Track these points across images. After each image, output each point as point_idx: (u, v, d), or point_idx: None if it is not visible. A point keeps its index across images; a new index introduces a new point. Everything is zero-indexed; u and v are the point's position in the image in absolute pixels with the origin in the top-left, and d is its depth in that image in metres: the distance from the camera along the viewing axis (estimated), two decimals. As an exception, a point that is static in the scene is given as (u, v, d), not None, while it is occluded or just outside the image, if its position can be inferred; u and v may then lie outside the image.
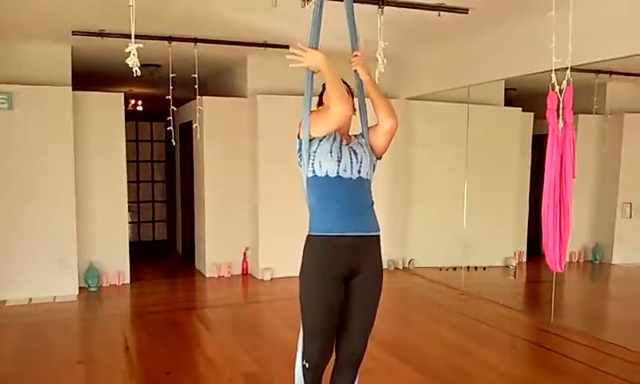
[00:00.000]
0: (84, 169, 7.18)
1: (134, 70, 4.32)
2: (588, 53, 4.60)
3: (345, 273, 2.78)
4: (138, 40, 4.34)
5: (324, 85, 2.88)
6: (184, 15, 5.59)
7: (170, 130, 6.42)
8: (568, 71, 4.06)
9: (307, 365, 2.85)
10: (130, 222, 7.73)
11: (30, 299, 6.70)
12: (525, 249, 8.76)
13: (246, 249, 8.17)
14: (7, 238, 6.68)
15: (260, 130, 7.65)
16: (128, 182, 7.71)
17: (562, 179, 4.12)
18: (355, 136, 2.96)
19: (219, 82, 8.93)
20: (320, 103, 2.95)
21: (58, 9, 5.37)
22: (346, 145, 2.84)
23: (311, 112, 2.84)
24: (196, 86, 6.84)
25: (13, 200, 6.67)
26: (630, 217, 8.13)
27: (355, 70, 2.98)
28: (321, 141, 2.80)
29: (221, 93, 8.45)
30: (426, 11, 5.16)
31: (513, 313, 6.44)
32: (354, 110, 2.88)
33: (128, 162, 7.69)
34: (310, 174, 2.82)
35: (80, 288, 7.10)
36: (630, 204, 8.13)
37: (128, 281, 7.63)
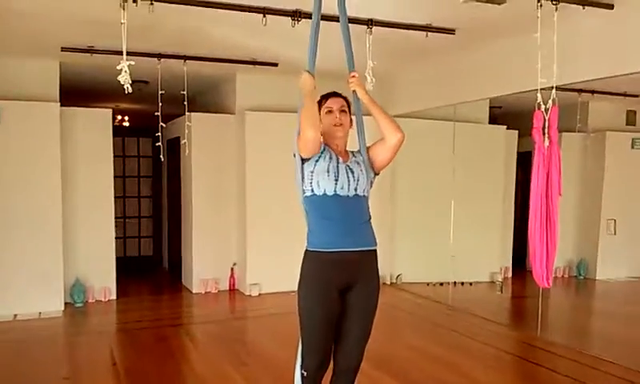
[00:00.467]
0: (71, 184, 7.15)
1: (125, 86, 4.37)
2: (572, 73, 4.70)
3: (341, 286, 2.85)
4: (128, 57, 4.39)
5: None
6: (174, 33, 5.62)
7: (159, 145, 6.42)
8: (553, 91, 4.16)
9: (305, 374, 2.94)
10: (115, 238, 7.67)
11: (15, 315, 6.62)
12: (510, 264, 8.86)
13: (234, 264, 8.17)
14: (-8, 253, 6.61)
15: (248, 147, 7.68)
16: (114, 197, 7.66)
17: (548, 196, 4.21)
18: (353, 153, 3.01)
19: (207, 99, 8.96)
20: None
21: (47, 25, 5.37)
22: (343, 163, 2.90)
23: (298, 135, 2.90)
24: (185, 103, 6.87)
25: (-2, 215, 6.61)
26: (615, 233, 8.27)
27: (354, 91, 3.03)
28: (317, 160, 2.85)
29: (209, 109, 8.48)
30: (414, 31, 5.24)
31: (500, 328, 6.50)
32: (347, 124, 2.96)
33: (114, 177, 7.65)
34: (309, 193, 2.90)
35: (66, 304, 7.03)
36: (614, 220, 8.27)
37: (114, 296, 7.58)
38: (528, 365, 5.37)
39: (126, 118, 10.84)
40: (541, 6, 4.18)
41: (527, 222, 8.38)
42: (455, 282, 7.91)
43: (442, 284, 8.08)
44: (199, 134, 7.72)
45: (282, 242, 7.58)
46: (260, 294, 7.75)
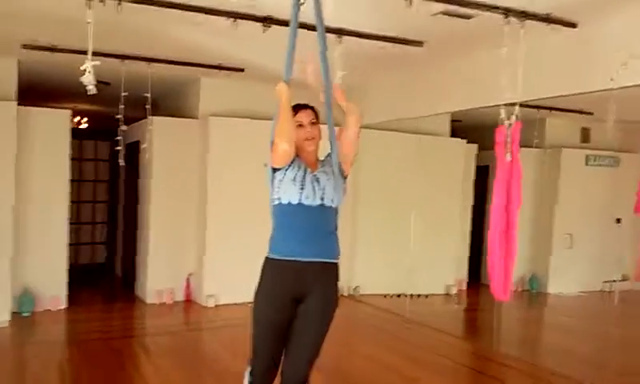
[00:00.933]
0: (24, 187, 6.86)
1: (88, 88, 4.26)
2: (536, 89, 4.82)
3: (295, 295, 2.85)
4: (92, 57, 4.28)
5: None
6: (139, 34, 5.51)
7: (119, 149, 6.26)
8: (517, 107, 4.27)
9: (252, 379, 2.98)
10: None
11: (-42, 325, 6.31)
12: (466, 276, 8.99)
13: (190, 274, 7.99)
14: None
15: (211, 153, 7.55)
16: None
17: (508, 211, 4.29)
18: (322, 161, 3.01)
19: (170, 103, 8.80)
20: None
21: (8, 22, 5.19)
22: (311, 173, 2.90)
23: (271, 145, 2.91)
24: (147, 106, 6.72)
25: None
26: (571, 247, 8.51)
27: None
28: (286, 170, 2.87)
29: (171, 113, 8.31)
30: (383, 42, 5.28)
31: (456, 340, 6.58)
32: (318, 136, 2.97)
33: (70, 181, 7.41)
34: (276, 202, 2.91)
35: (12, 313, 6.69)
36: (571, 235, 8.51)
37: (65, 306, 7.27)
38: (484, 378, 5.45)
39: (85, 119, 10.56)
40: (508, 22, 4.29)
41: (483, 234, 8.57)
42: (412, 294, 7.96)
43: (399, 296, 8.12)
44: (161, 138, 7.56)
45: (240, 252, 7.46)
46: (216, 305, 7.59)
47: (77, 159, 9.58)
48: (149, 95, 6.64)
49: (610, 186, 8.60)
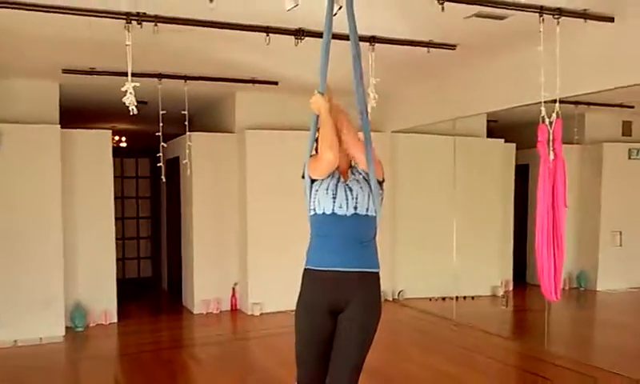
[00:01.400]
0: (71, 206, 7.10)
1: (130, 108, 4.38)
2: (574, 86, 4.74)
3: (332, 306, 2.81)
4: (131, 78, 4.40)
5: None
6: (174, 53, 5.63)
7: (160, 166, 6.40)
8: (557, 104, 4.21)
9: None
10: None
11: (15, 341, 6.51)
12: (511, 277, 8.85)
13: (235, 284, 8.11)
14: (-8, 277, 6.53)
15: (248, 165, 7.66)
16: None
17: (554, 209, 4.22)
18: (352, 171, 2.96)
19: (206, 118, 8.97)
20: (316, 149, 2.95)
21: (49, 48, 5.37)
22: (343, 182, 2.89)
23: (311, 156, 2.93)
24: (185, 122, 6.86)
25: (-1, 239, 6.55)
26: (620, 245, 8.29)
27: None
28: (322, 181, 2.89)
29: (207, 128, 8.47)
30: (415, 47, 5.28)
31: (506, 342, 6.49)
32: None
33: (114, 198, 7.61)
34: (312, 213, 2.92)
35: (66, 328, 6.93)
36: (620, 232, 8.29)
37: (115, 320, 7.49)
38: (535, 378, 5.36)
39: (124, 138, 10.83)
40: (543, 20, 4.24)
41: (526, 234, 8.42)
42: (457, 297, 7.88)
43: (444, 299, 8.06)
44: (199, 153, 7.70)
45: (283, 260, 7.54)
46: (262, 314, 7.70)
47: (119, 177, 9.85)
48: (186, 112, 6.77)
49: (656, 178, 8.36)
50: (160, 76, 6.36)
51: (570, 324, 7.81)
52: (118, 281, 7.75)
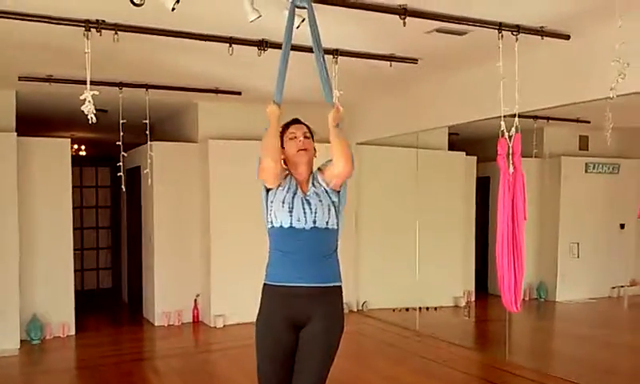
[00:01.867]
0: (28, 216, 6.92)
1: (89, 117, 4.29)
2: (533, 101, 4.83)
3: (293, 321, 2.76)
4: (90, 86, 4.31)
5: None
6: (136, 61, 5.55)
7: (121, 175, 6.29)
8: (516, 119, 4.29)
9: None
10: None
11: (-33, 355, 6.32)
12: (473, 288, 8.97)
13: (197, 296, 8.00)
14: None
15: (211, 175, 7.59)
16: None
17: (514, 222, 4.29)
18: (313, 183, 2.87)
19: (167, 127, 8.85)
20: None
21: (5, 55, 5.23)
22: (301, 194, 2.81)
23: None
24: (147, 132, 6.76)
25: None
26: (578, 256, 8.48)
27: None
28: (276, 191, 2.81)
29: (169, 138, 8.36)
30: (378, 61, 5.32)
31: (469, 352, 6.55)
32: (311, 150, 2.90)
33: (72, 208, 7.43)
34: (269, 225, 2.86)
35: (21, 341, 6.73)
36: (578, 244, 8.48)
37: (73, 332, 7.30)
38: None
39: (83, 146, 10.62)
40: (502, 37, 4.33)
41: (488, 245, 8.53)
42: (420, 308, 7.95)
43: (407, 309, 8.11)
44: (161, 163, 7.57)
45: (246, 271, 7.39)
46: (225, 326, 7.61)
47: (78, 186, 9.64)
48: (147, 121, 6.68)
49: (612, 192, 8.59)
50: (121, 85, 6.25)
51: (530, 334, 7.95)
52: (77, 292, 7.57)
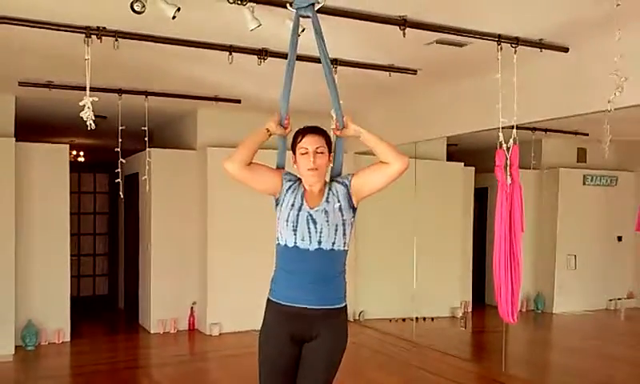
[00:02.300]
0: (25, 221, 6.91)
1: (88, 123, 4.29)
2: (531, 113, 4.87)
3: (296, 337, 2.73)
4: (90, 93, 4.32)
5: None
6: (135, 68, 5.56)
7: (119, 181, 6.29)
8: (514, 130, 4.30)
9: None
10: (70, 276, 7.42)
11: (-38, 361, 6.27)
12: (470, 298, 8.96)
13: (193, 303, 7.98)
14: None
15: (209, 183, 7.58)
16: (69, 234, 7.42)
17: (511, 233, 4.29)
18: (327, 199, 2.73)
19: (166, 134, 8.85)
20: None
21: (4, 60, 5.24)
22: (307, 209, 2.69)
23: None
24: (145, 138, 6.76)
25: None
26: (575, 268, 8.48)
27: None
28: (282, 206, 2.73)
29: (168, 145, 8.36)
30: (378, 71, 5.34)
31: (465, 363, 6.53)
32: (324, 166, 2.75)
33: (70, 214, 7.43)
34: (277, 241, 2.77)
35: (16, 347, 6.68)
36: (575, 256, 8.48)
37: (68, 339, 7.26)
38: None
39: (82, 153, 10.62)
40: (501, 48, 4.34)
41: (485, 256, 8.51)
42: (417, 318, 7.93)
43: (404, 320, 8.10)
44: (159, 170, 7.58)
45: (243, 280, 7.49)
46: (221, 334, 7.58)
47: (76, 192, 9.63)
48: (146, 128, 6.68)
49: (609, 204, 8.62)
50: (120, 91, 6.26)
51: (527, 346, 7.93)
52: (73, 298, 7.55)
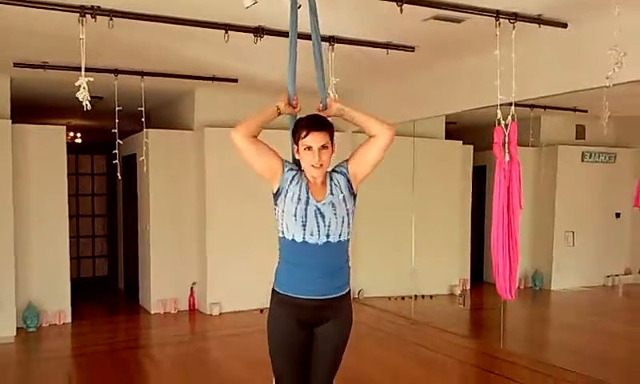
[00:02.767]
0: (23, 204, 6.90)
1: (84, 103, 4.27)
2: (529, 89, 4.84)
3: (305, 323, 2.75)
4: (85, 73, 4.29)
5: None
6: (131, 48, 5.51)
7: (116, 163, 6.27)
8: (512, 107, 4.28)
9: None
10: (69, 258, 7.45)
11: (-37, 343, 6.31)
12: (469, 276, 9.00)
13: (193, 284, 8.01)
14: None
15: (207, 163, 7.57)
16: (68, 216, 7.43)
17: (509, 210, 4.29)
18: (332, 191, 2.72)
19: (163, 115, 8.81)
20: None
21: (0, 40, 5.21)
22: (314, 202, 2.67)
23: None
24: (142, 119, 6.73)
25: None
26: (573, 245, 8.50)
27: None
28: (286, 197, 2.69)
29: (165, 125, 8.32)
30: (375, 48, 5.30)
31: (464, 340, 6.59)
32: (328, 161, 2.71)
33: (68, 195, 7.41)
34: (280, 234, 2.75)
35: (18, 329, 6.72)
36: (573, 232, 8.50)
37: (69, 320, 7.30)
38: (491, 376, 5.44)
39: (79, 134, 10.57)
40: (499, 24, 4.31)
41: (483, 233, 8.54)
42: (416, 296, 7.97)
43: (403, 298, 8.14)
44: (157, 150, 7.57)
45: (242, 259, 7.52)
46: (221, 313, 7.62)
47: (74, 174, 9.61)
48: (143, 108, 6.64)
49: (608, 181, 8.61)
50: (116, 71, 6.21)
51: (525, 322, 7.98)
52: (73, 280, 7.57)
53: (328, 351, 2.83)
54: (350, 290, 2.86)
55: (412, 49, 5.42)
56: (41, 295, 7.10)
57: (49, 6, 4.06)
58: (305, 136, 2.67)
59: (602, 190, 8.70)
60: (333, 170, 2.81)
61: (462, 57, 5.80)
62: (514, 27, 4.33)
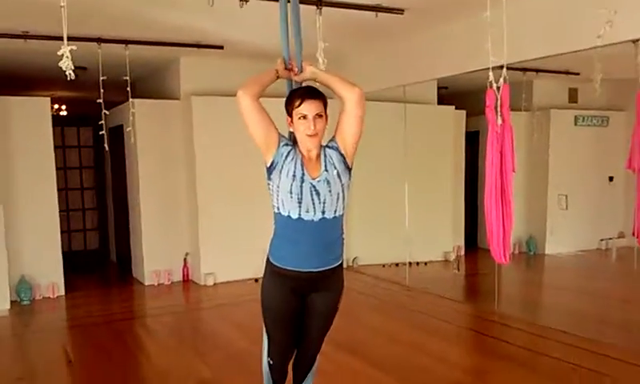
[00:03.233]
0: (10, 178, 6.84)
1: (67, 73, 4.14)
2: (521, 51, 4.76)
3: (298, 292, 2.81)
4: (68, 42, 4.16)
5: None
6: (114, 16, 5.37)
7: (103, 134, 6.16)
8: (504, 70, 4.17)
9: (271, 362, 3.00)
10: (60, 231, 7.39)
11: (-44, 317, 6.29)
12: (463, 242, 9.00)
13: (186, 254, 7.97)
14: None
15: (195, 132, 7.47)
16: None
17: (502, 174, 4.23)
18: (326, 167, 2.71)
19: (149, 84, 8.66)
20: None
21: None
22: (310, 179, 2.66)
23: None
24: (128, 89, 6.60)
25: None
26: (567, 208, 8.49)
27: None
28: (281, 173, 2.66)
29: (151, 95, 8.18)
30: (364, 11, 5.18)
31: (458, 305, 6.62)
32: (323, 129, 2.70)
33: (55, 169, 7.32)
34: (276, 210, 2.74)
35: (12, 302, 6.71)
36: (566, 196, 8.48)
37: (63, 292, 7.28)
38: (487, 339, 5.48)
39: (64, 106, 10.41)
40: (490, -17, 4.19)
41: (477, 199, 8.52)
42: (410, 263, 7.97)
43: (397, 264, 8.15)
44: (144, 121, 7.42)
45: (235, 229, 7.48)
46: (215, 284, 7.61)
47: (60, 147, 9.48)
48: (128, 78, 6.51)
49: (601, 144, 8.55)
50: (99, 40, 6.07)
51: (519, 286, 8.02)
52: (65, 253, 7.55)
53: (319, 317, 2.91)
54: (342, 261, 2.89)
55: (401, 11, 5.30)
56: (33, 269, 7.07)
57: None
58: (299, 105, 2.65)
59: (595, 153, 8.65)
60: (326, 146, 2.78)
61: (452, 19, 5.69)
62: (505, -14, 4.22)
